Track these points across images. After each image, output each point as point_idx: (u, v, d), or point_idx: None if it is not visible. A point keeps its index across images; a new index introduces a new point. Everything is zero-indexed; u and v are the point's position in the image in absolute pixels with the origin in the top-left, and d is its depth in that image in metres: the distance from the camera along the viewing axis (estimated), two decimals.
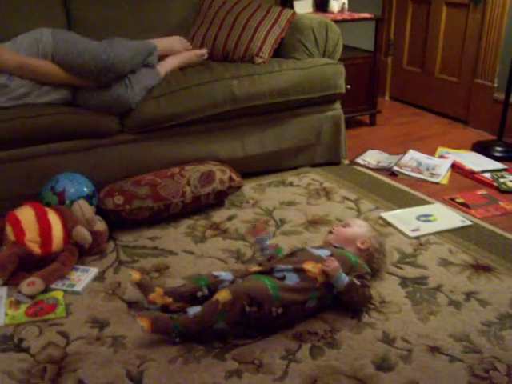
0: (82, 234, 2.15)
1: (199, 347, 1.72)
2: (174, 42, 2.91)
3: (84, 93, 2.51)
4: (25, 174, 2.42)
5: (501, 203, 2.72)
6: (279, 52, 3.02)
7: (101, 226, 2.26)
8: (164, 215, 2.46)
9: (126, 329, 1.81)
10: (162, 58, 2.80)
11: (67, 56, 2.43)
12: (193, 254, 2.25)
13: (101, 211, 2.35)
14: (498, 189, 2.88)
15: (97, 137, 2.53)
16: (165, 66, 2.76)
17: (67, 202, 2.29)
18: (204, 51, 2.95)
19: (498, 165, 3.15)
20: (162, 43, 2.82)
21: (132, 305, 1.93)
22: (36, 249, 2.08)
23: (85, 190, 2.36)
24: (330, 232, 2.10)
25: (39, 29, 2.49)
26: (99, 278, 2.09)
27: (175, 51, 2.88)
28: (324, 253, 1.92)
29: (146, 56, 2.63)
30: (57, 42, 2.44)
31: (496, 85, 3.69)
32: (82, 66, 2.42)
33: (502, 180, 2.93)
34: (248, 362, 1.66)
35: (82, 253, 2.19)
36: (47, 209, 2.18)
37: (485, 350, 1.70)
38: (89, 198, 2.33)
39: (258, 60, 2.89)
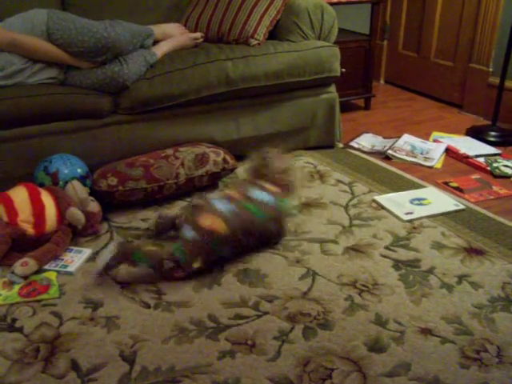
0: (76, 214, 2.15)
1: (192, 327, 1.72)
2: (171, 28, 2.89)
3: (77, 71, 2.49)
4: (18, 154, 2.41)
5: (494, 188, 2.73)
6: (274, 34, 3.00)
7: (94, 207, 2.26)
8: (158, 197, 2.46)
9: (120, 309, 1.81)
10: (157, 42, 2.79)
11: (65, 33, 2.40)
12: None
13: (94, 192, 2.35)
14: (491, 173, 2.89)
15: (90, 117, 2.51)
16: (161, 49, 2.74)
17: (61, 182, 2.28)
18: (199, 34, 2.93)
19: (492, 149, 3.16)
20: (159, 28, 2.82)
21: (125, 285, 1.93)
22: (29, 229, 2.07)
23: (78, 170, 2.35)
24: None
25: (33, 10, 2.47)
26: (93, 258, 2.09)
27: (171, 36, 2.86)
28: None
29: (143, 38, 2.62)
30: (53, 20, 2.41)
31: (491, 69, 3.69)
32: (81, 43, 2.40)
33: (495, 165, 2.93)
34: (241, 342, 1.67)
35: (75, 234, 2.19)
36: (40, 189, 2.17)
37: (476, 332, 1.71)
38: (82, 179, 2.32)
39: (253, 42, 2.87)
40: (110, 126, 2.56)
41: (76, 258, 2.07)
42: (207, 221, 1.94)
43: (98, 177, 2.39)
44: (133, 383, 1.52)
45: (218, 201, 2.03)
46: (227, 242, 1.97)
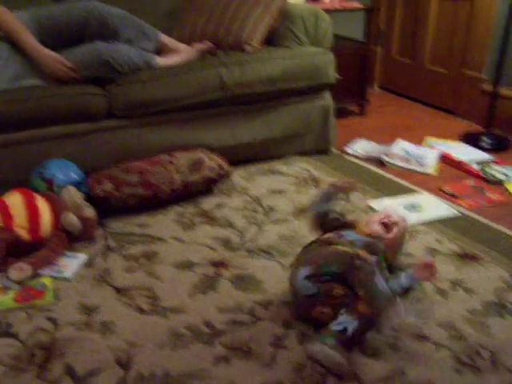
0: (71, 220, 2.15)
1: (188, 333, 1.73)
2: (185, 48, 2.88)
3: (65, 50, 2.51)
4: (12, 160, 2.41)
5: (488, 193, 2.75)
6: (269, 40, 3.01)
7: (90, 212, 2.26)
8: (153, 202, 2.46)
9: (115, 315, 1.81)
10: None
11: (51, 14, 2.45)
12: (181, 241, 2.26)
13: (90, 198, 2.34)
14: (485, 180, 2.90)
15: (84, 120, 2.51)
16: (165, 60, 2.75)
17: (56, 188, 2.28)
18: (206, 46, 2.90)
19: (486, 156, 3.17)
20: (171, 41, 2.83)
21: (121, 291, 1.93)
22: (24, 235, 2.07)
23: (74, 176, 2.35)
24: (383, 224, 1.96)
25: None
26: (88, 264, 2.09)
27: (177, 51, 2.86)
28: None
29: (143, 34, 2.63)
30: (38, 10, 2.47)
31: (484, 76, 3.71)
32: (66, 21, 2.44)
33: (489, 171, 2.95)
34: (236, 348, 1.67)
35: (70, 239, 2.19)
36: (36, 195, 2.17)
37: (470, 338, 1.72)
38: (78, 185, 2.32)
39: (248, 48, 2.88)
40: (104, 131, 2.56)
41: (71, 264, 2.07)
42: None
43: (93, 182, 2.39)
44: None
45: None
46: None
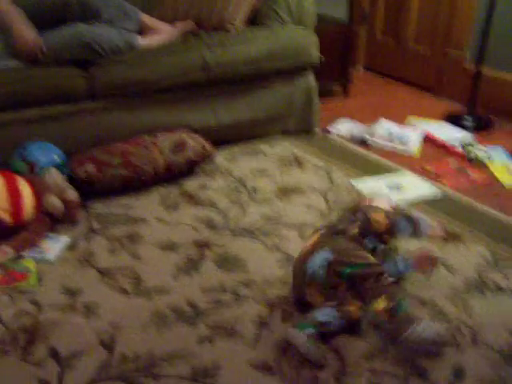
0: (54, 202, 2.14)
1: (171, 314, 1.73)
2: (166, 27, 2.85)
3: (45, 32, 2.49)
4: None
5: (470, 173, 2.76)
6: (252, 20, 3.00)
7: (72, 194, 2.24)
8: (136, 184, 2.45)
9: (99, 297, 1.81)
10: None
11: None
12: (165, 222, 2.26)
13: (72, 180, 2.33)
14: (468, 159, 2.92)
15: (66, 101, 2.49)
16: (147, 40, 2.72)
17: (38, 170, 2.27)
18: (189, 24, 2.89)
19: (468, 135, 3.18)
20: (152, 20, 2.80)
21: (104, 272, 1.93)
22: (7, 218, 2.06)
23: (55, 158, 2.34)
24: None
25: None
26: (71, 246, 2.09)
27: (159, 31, 2.84)
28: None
29: (124, 14, 2.61)
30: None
31: (468, 56, 3.71)
32: (46, 2, 2.43)
33: (471, 150, 2.96)
34: (220, 327, 1.68)
35: (53, 222, 2.18)
36: (17, 177, 2.16)
37: (452, 315, 1.74)
38: (60, 167, 2.31)
39: (231, 28, 2.86)
40: (86, 113, 2.55)
41: (54, 246, 2.07)
42: None
43: (75, 164, 2.37)
44: (112, 370, 1.53)
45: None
46: None
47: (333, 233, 1.80)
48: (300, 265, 1.75)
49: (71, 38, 2.47)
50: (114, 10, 2.63)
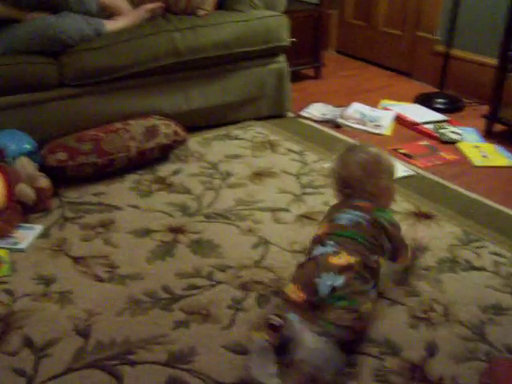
0: (25, 191, 2.12)
1: (146, 299, 1.73)
2: (127, 6, 2.82)
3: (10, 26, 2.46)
4: None
5: (442, 153, 2.79)
6: (222, 4, 2.98)
7: (44, 182, 2.22)
8: (109, 171, 2.44)
9: (73, 284, 1.80)
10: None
11: None
12: (138, 209, 2.25)
13: (44, 168, 2.31)
14: (439, 139, 2.95)
15: (36, 90, 2.46)
16: (114, 23, 2.68)
17: (8, 159, 2.23)
18: (157, 5, 2.85)
19: (440, 116, 3.21)
20: (111, 1, 2.76)
21: (78, 260, 1.92)
22: None
23: (26, 146, 2.31)
24: None
25: None
26: (44, 234, 2.07)
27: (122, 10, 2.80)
28: None
29: None
30: None
31: (438, 37, 3.74)
32: None
33: (443, 131, 2.99)
34: (195, 312, 1.68)
35: (25, 210, 2.16)
36: None
37: (424, 293, 1.77)
38: (31, 155, 2.28)
39: (201, 12, 2.84)
40: (57, 100, 2.52)
41: (27, 235, 2.05)
42: None
43: (47, 152, 2.35)
44: (88, 357, 1.52)
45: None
46: None
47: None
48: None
49: (41, 31, 2.42)
50: None
